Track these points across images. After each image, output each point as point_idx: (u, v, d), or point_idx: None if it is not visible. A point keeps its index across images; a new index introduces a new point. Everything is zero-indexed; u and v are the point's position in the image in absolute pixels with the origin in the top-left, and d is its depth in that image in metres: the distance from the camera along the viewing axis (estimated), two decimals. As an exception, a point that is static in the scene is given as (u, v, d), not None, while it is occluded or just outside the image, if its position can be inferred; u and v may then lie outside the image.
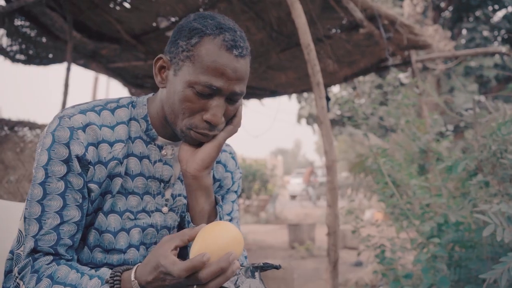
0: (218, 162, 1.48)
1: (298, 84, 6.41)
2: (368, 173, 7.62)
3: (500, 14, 14.24)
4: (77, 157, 1.19)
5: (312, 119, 17.21)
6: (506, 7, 13.61)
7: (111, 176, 1.26)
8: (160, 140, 1.34)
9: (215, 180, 1.47)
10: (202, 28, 1.18)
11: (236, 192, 1.53)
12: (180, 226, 1.39)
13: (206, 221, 1.28)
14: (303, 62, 5.60)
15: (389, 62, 4.94)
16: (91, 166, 1.21)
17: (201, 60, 1.16)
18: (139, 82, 6.61)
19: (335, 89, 16.22)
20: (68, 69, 4.31)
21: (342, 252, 8.70)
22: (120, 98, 1.35)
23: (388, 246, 3.09)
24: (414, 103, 3.30)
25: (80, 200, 1.21)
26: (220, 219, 1.30)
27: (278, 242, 10.30)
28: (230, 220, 1.48)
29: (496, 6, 13.86)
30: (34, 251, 1.18)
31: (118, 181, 1.27)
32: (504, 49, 5.34)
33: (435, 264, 2.49)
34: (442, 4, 13.30)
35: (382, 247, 2.94)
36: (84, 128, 1.21)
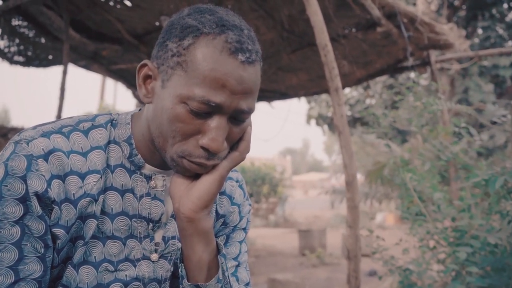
0: (222, 193, 1.19)
1: (310, 86, 6.12)
2: (385, 181, 7.30)
3: (515, 12, 13.82)
4: (37, 194, 0.90)
5: (321, 119, 16.87)
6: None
7: (82, 218, 0.97)
8: (148, 169, 1.05)
9: (218, 216, 1.18)
10: (198, 25, 0.90)
11: (244, 229, 1.23)
12: (174, 276, 1.10)
13: (205, 274, 1.00)
14: (315, 63, 5.34)
15: (408, 62, 4.62)
16: (56, 206, 0.93)
17: (196, 68, 0.88)
18: (143, 85, 6.34)
19: (345, 89, 15.89)
20: (65, 72, 4.03)
21: (354, 259, 8.40)
22: (96, 116, 1.06)
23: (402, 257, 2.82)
24: (439, 109, 3.01)
25: (42, 250, 0.92)
26: (223, 272, 1.01)
27: (288, 248, 10.03)
28: (237, 266, 1.19)
29: (512, 4, 13.48)
30: None
31: (92, 224, 0.98)
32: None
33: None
34: (456, 2, 12.94)
35: (408, 272, 2.63)
36: (46, 156, 0.92)
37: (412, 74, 13.29)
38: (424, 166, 3.39)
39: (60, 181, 0.93)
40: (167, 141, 0.94)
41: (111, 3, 4.18)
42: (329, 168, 68.58)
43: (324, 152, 72.48)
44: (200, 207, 0.96)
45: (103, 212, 1.00)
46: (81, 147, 0.98)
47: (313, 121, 17.36)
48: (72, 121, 1.02)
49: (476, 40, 13.65)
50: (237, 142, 0.99)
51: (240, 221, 1.21)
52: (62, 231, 0.94)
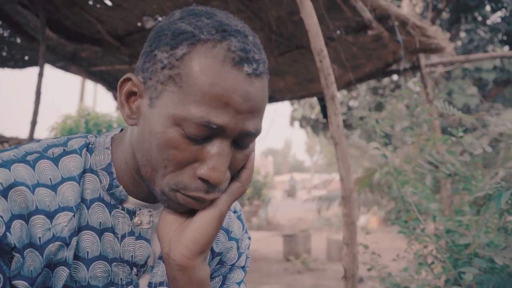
0: None
1: (297, 90, 5.97)
2: (374, 189, 7.19)
3: (498, 15, 13.90)
4: None
5: (305, 121, 16.77)
6: (505, 7, 13.28)
7: (51, 265, 0.80)
8: (132, 202, 0.88)
9: (214, 254, 1.01)
10: (194, 30, 0.73)
11: (243, 268, 1.06)
12: None
13: None
14: (303, 66, 5.20)
15: (400, 66, 4.50)
16: (17, 253, 0.75)
17: (192, 83, 0.71)
18: (124, 87, 6.11)
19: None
20: (41, 75, 3.79)
21: (339, 264, 8.30)
22: (68, 140, 0.88)
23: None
24: (437, 118, 2.89)
25: None
26: None
27: (272, 252, 9.88)
28: None
29: (494, 7, 13.53)
30: None
31: (63, 272, 0.81)
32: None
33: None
34: (440, 5, 12.93)
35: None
36: (5, 191, 0.74)
37: (395, 77, 13.29)
38: (418, 176, 3.27)
39: (23, 222, 0.75)
40: (156, 171, 0.76)
41: (91, 3, 3.97)
42: (310, 169, 68.84)
43: (305, 152, 72.54)
44: (195, 253, 0.78)
45: (76, 257, 0.83)
46: (50, 178, 0.80)
47: (296, 123, 17.25)
48: (39, 147, 0.84)
49: (459, 42, 13.68)
50: (239, 170, 0.83)
51: (238, 258, 1.05)
52: (25, 283, 0.76)
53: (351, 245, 2.24)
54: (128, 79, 0.79)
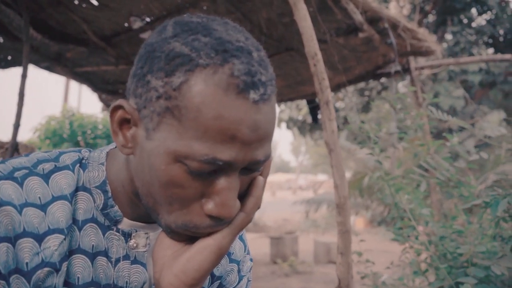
0: None
1: (286, 93, 5.91)
2: (364, 193, 7.16)
3: (483, 17, 14.02)
4: None
5: (292, 122, 16.73)
6: (490, 10, 13.39)
7: None
8: (127, 224, 0.81)
9: (213, 278, 0.94)
10: (191, 54, 0.63)
11: None
12: None
13: None
14: (293, 68, 5.15)
15: (391, 69, 4.47)
16: (2, 280, 0.68)
17: (193, 116, 0.63)
18: (111, 88, 5.99)
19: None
20: (24, 76, 3.68)
21: (327, 267, 8.28)
22: (60, 154, 0.80)
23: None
24: (430, 123, 2.86)
25: None
26: None
27: (259, 255, 9.81)
28: None
29: (480, 9, 13.63)
30: None
31: None
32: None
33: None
34: (427, 7, 12.98)
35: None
36: None
37: (382, 79, 13.31)
38: (409, 181, 3.25)
39: (9, 246, 0.68)
40: (160, 206, 0.69)
41: (76, 2, 3.87)
42: (295, 169, 69.03)
43: (291, 153, 72.66)
44: (184, 284, 0.70)
45: (66, 283, 0.76)
46: (39, 197, 0.73)
47: (283, 124, 17.21)
48: (28, 162, 0.76)
49: (445, 44, 13.76)
50: (242, 196, 0.75)
51: (239, 282, 0.98)
52: None
53: (345, 254, 2.18)
54: (120, 107, 0.70)
